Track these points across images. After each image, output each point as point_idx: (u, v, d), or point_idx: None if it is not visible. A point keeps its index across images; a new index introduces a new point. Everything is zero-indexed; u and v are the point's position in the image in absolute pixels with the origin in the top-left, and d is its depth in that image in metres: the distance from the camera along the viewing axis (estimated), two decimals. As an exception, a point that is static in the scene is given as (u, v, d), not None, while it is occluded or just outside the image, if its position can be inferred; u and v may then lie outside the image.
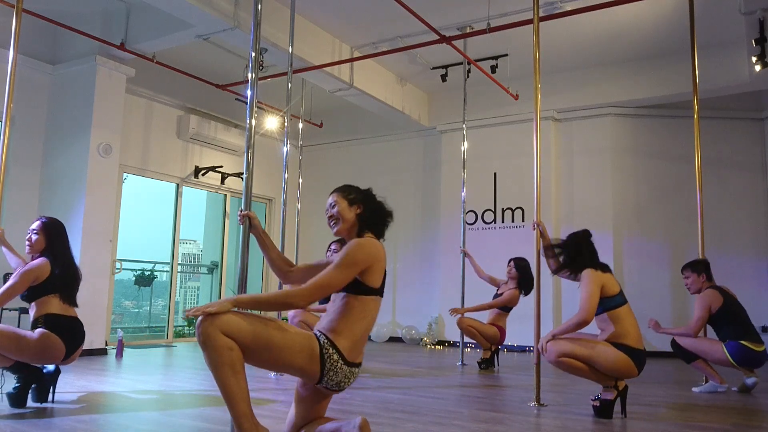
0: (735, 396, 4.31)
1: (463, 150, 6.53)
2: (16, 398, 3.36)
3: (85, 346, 5.83)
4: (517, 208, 7.96)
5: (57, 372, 3.53)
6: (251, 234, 2.61)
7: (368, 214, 2.41)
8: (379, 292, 2.32)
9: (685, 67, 6.36)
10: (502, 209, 8.09)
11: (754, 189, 7.46)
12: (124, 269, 7.37)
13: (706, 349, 4.39)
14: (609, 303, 3.44)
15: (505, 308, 5.83)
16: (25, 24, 4.67)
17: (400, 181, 9.14)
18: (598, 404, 3.38)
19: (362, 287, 2.26)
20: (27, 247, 3.51)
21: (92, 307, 6.02)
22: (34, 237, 3.51)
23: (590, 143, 7.82)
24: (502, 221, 8.06)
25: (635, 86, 7.44)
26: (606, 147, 7.71)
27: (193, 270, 11.03)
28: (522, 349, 7.58)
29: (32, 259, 3.51)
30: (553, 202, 7.80)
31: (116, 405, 3.58)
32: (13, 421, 3.00)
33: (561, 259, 3.69)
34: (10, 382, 3.46)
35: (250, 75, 2.81)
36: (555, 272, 3.77)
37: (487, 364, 5.66)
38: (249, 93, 2.81)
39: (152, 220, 9.80)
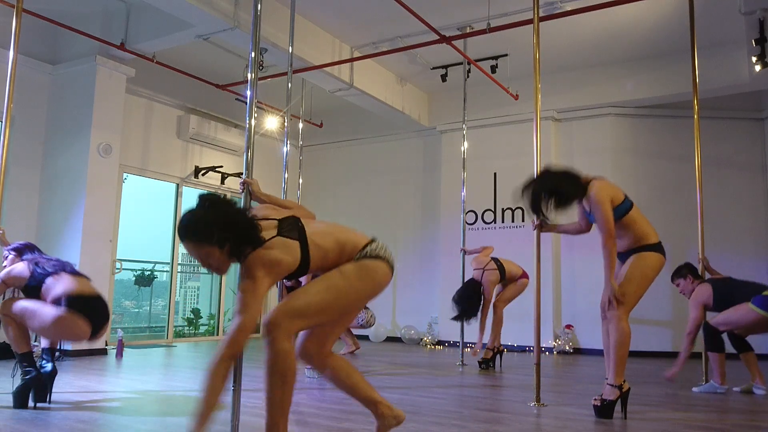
0: (735, 396, 4.31)
1: (463, 150, 6.53)
2: (18, 398, 3.36)
3: (86, 345, 5.92)
4: (517, 208, 7.96)
5: (54, 372, 3.52)
6: (254, 201, 2.59)
7: (235, 241, 2.09)
8: (304, 269, 2.21)
9: (685, 67, 6.36)
10: (502, 209, 8.09)
11: (754, 189, 7.46)
12: (124, 269, 7.37)
13: (737, 317, 4.32)
14: (621, 210, 3.45)
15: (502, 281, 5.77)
16: (25, 24, 4.67)
17: (400, 181, 9.14)
18: (599, 404, 3.38)
19: (296, 274, 2.21)
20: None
21: (92, 307, 6.02)
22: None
23: (590, 143, 7.82)
24: (502, 221, 8.06)
25: (635, 86, 7.43)
26: (606, 147, 7.71)
27: (193, 270, 11.03)
28: (522, 349, 7.57)
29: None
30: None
31: (116, 405, 3.58)
32: (13, 421, 3.00)
33: (552, 207, 3.46)
34: (10, 381, 3.46)
35: (249, 75, 2.81)
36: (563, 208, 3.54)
37: (487, 364, 5.66)
38: (249, 93, 2.80)
39: (152, 220, 9.78)
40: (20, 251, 3.66)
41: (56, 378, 3.55)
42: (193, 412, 1.99)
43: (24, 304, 3.34)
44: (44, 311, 3.28)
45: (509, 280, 5.82)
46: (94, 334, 3.41)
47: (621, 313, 3.40)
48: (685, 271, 4.74)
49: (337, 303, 2.20)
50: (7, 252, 3.67)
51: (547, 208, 3.43)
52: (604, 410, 3.35)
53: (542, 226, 3.95)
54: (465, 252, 6.24)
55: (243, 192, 2.60)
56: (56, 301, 3.30)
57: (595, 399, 3.42)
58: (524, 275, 5.87)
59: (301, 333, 2.35)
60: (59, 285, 3.36)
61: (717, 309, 4.47)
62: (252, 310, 2.05)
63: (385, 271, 2.29)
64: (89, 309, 3.33)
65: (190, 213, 2.09)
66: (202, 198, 2.12)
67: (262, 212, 2.31)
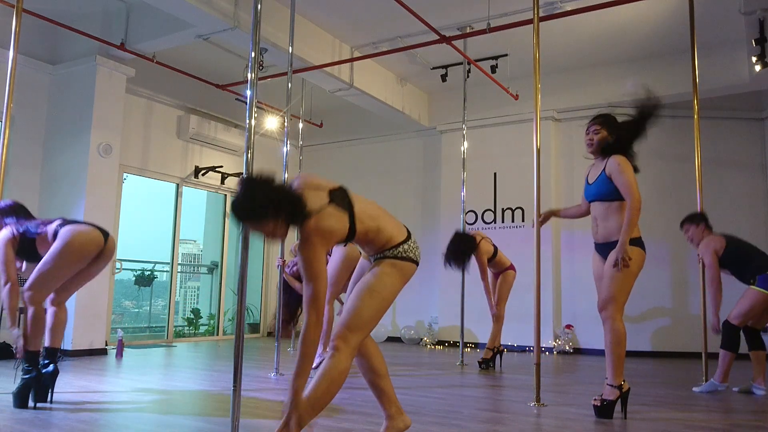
0: (735, 396, 4.31)
1: (463, 150, 6.52)
2: (19, 397, 3.37)
3: (86, 346, 5.94)
4: (517, 208, 7.96)
5: (56, 372, 3.52)
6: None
7: (287, 217, 2.21)
8: (350, 238, 2.33)
9: (685, 67, 6.35)
10: (502, 209, 8.09)
11: (754, 189, 7.45)
12: (124, 269, 7.37)
13: (748, 304, 4.31)
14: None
15: (492, 256, 5.77)
16: (25, 24, 4.67)
17: (400, 181, 9.14)
18: (598, 404, 3.38)
19: (344, 239, 2.30)
20: None
21: (92, 307, 6.03)
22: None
23: (590, 143, 7.79)
24: (502, 221, 8.06)
25: (635, 86, 7.42)
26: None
27: (193, 270, 11.03)
28: (522, 349, 7.57)
29: None
30: (553, 202, 7.79)
31: (116, 405, 3.58)
32: (13, 421, 3.00)
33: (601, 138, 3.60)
34: (10, 381, 3.46)
35: (250, 75, 2.82)
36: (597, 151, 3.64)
37: (487, 364, 5.66)
38: (249, 93, 2.81)
39: (152, 220, 9.79)
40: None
41: (57, 378, 3.55)
42: (292, 381, 2.18)
43: (37, 268, 3.37)
44: (53, 248, 3.34)
45: (498, 266, 5.80)
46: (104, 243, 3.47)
47: (614, 313, 3.39)
48: (699, 218, 4.64)
49: (383, 306, 2.37)
50: None
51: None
52: (604, 410, 3.35)
53: (545, 220, 4.02)
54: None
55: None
56: (54, 235, 3.38)
57: (595, 399, 3.42)
58: (511, 267, 5.88)
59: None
60: (51, 225, 3.45)
61: (726, 263, 4.43)
62: (321, 276, 2.19)
63: (413, 271, 2.47)
64: (87, 224, 3.46)
65: (240, 197, 2.16)
66: (245, 180, 2.22)
67: (311, 180, 2.38)
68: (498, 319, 5.76)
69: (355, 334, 2.27)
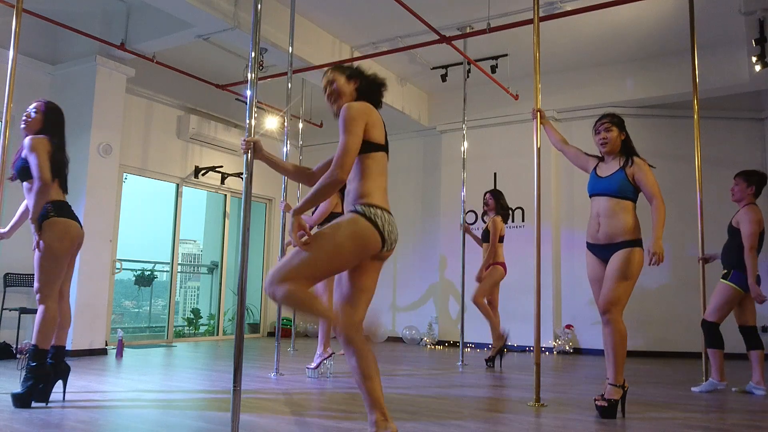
0: (735, 396, 4.31)
1: (463, 150, 6.53)
2: (41, 392, 3.40)
3: (86, 346, 5.94)
4: (517, 208, 7.96)
5: (67, 369, 3.57)
6: (258, 159, 2.68)
7: (365, 86, 2.58)
8: (386, 148, 2.50)
9: (685, 67, 6.36)
10: (502, 209, 8.08)
11: (754, 189, 7.44)
12: (124, 269, 7.37)
13: (722, 300, 4.35)
14: (638, 195, 3.54)
15: (500, 239, 5.86)
16: (25, 24, 4.67)
17: (400, 181, 9.13)
18: (605, 404, 3.34)
19: (371, 145, 2.41)
20: (23, 123, 3.59)
21: (92, 307, 6.03)
22: (33, 114, 3.58)
23: (590, 143, 7.75)
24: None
25: (635, 86, 7.43)
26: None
27: (193, 270, 11.03)
28: (522, 349, 7.57)
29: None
30: (553, 202, 7.80)
31: (116, 405, 3.58)
32: (13, 421, 2.99)
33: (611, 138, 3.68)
34: (9, 381, 3.46)
35: (249, 75, 2.82)
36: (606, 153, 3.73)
37: (492, 363, 5.69)
38: (249, 93, 2.81)
39: (152, 220, 9.79)
40: None
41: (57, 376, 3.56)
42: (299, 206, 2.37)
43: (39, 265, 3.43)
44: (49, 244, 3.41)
45: (491, 252, 5.81)
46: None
47: (615, 315, 3.40)
48: (755, 179, 4.50)
49: (323, 256, 2.34)
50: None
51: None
52: (609, 410, 3.33)
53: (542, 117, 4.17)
54: (466, 229, 6.23)
55: (245, 152, 2.66)
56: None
57: (597, 399, 3.41)
58: (503, 264, 5.87)
59: (336, 300, 2.51)
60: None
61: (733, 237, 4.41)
62: (354, 144, 2.34)
63: (372, 240, 2.41)
64: (72, 216, 3.57)
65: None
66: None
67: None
68: (486, 313, 5.73)
69: (287, 274, 2.26)
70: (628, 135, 3.73)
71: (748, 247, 4.29)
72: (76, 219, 3.58)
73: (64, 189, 3.62)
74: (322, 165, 2.65)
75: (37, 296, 3.42)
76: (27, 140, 3.49)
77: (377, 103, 2.60)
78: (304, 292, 2.27)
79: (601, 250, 3.52)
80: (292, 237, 2.29)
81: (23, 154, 3.50)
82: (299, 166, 2.76)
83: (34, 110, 3.60)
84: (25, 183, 3.55)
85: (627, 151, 3.64)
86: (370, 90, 2.59)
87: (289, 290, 2.24)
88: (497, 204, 5.91)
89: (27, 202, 3.59)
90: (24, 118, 3.60)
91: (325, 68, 2.62)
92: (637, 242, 3.43)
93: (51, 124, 3.62)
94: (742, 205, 4.49)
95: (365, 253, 2.38)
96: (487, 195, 5.99)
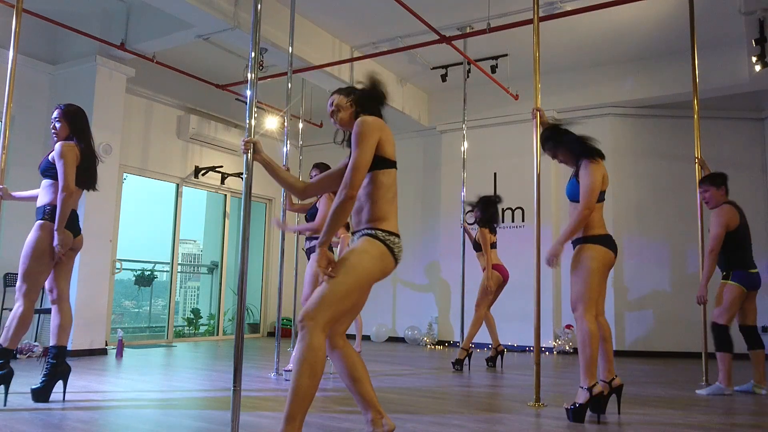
0: (735, 396, 4.30)
1: (463, 150, 6.53)
2: (41, 392, 3.47)
3: (85, 346, 5.93)
4: (517, 208, 7.96)
5: (67, 370, 3.59)
6: (256, 161, 2.66)
7: (361, 97, 2.56)
8: (395, 164, 2.49)
9: (685, 67, 6.36)
10: (502, 209, 8.08)
11: (754, 189, 7.45)
12: (124, 269, 7.37)
13: (728, 302, 4.33)
14: (600, 196, 3.50)
15: (492, 245, 5.83)
16: (25, 24, 4.67)
17: (400, 181, 9.03)
18: (570, 407, 3.28)
19: (384, 161, 2.41)
20: (53, 135, 3.68)
21: (92, 307, 6.03)
22: (57, 125, 3.67)
23: (590, 143, 7.80)
24: (503, 221, 8.05)
25: (635, 86, 7.43)
26: (606, 147, 7.55)
27: (193, 270, 11.03)
28: (522, 349, 7.57)
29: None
30: (553, 202, 7.80)
31: (116, 405, 3.58)
32: (13, 421, 3.00)
33: (553, 145, 3.78)
34: (13, 382, 3.46)
35: (250, 75, 2.82)
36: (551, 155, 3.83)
37: (460, 365, 5.59)
38: (249, 93, 2.81)
39: (152, 220, 9.79)
40: None
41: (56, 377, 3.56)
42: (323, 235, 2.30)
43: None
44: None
45: (487, 260, 5.78)
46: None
47: (582, 314, 3.33)
48: (720, 180, 4.54)
49: (357, 286, 2.33)
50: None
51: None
52: (575, 414, 3.25)
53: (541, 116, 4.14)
54: (465, 228, 6.21)
55: (246, 152, 2.65)
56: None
57: (566, 403, 3.37)
58: (499, 268, 5.80)
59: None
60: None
61: (725, 240, 4.39)
62: (363, 164, 2.32)
63: (391, 266, 2.46)
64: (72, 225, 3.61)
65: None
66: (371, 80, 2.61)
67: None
68: (476, 321, 5.69)
69: (325, 312, 2.22)
70: (570, 139, 3.78)
71: (710, 248, 4.38)
72: (71, 228, 3.59)
73: (90, 187, 3.74)
74: (317, 180, 2.66)
75: (18, 293, 3.49)
76: (57, 145, 3.58)
77: (377, 111, 2.57)
78: (315, 355, 2.18)
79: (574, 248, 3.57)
80: (320, 270, 2.26)
81: (50, 157, 3.60)
82: (294, 178, 2.73)
83: (56, 120, 3.69)
84: (45, 179, 3.61)
85: (578, 153, 3.65)
86: (368, 99, 2.56)
87: (309, 344, 2.19)
88: (483, 216, 5.80)
89: (39, 194, 3.64)
90: (52, 130, 3.70)
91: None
92: (588, 239, 3.41)
93: (76, 128, 3.70)
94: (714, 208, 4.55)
95: (382, 278, 2.42)
96: (476, 210, 5.85)
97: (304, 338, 2.20)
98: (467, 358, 5.69)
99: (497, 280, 5.77)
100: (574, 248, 3.51)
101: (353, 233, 2.47)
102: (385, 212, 2.41)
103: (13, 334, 3.48)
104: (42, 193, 3.61)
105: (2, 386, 3.42)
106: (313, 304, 2.23)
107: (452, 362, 5.65)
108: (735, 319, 4.48)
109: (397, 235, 2.45)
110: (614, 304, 7.25)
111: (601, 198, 3.52)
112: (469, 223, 6.46)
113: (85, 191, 3.79)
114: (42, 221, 3.53)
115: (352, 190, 2.28)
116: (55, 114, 3.70)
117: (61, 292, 3.64)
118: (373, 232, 2.38)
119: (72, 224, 3.61)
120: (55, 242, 3.45)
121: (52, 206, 3.54)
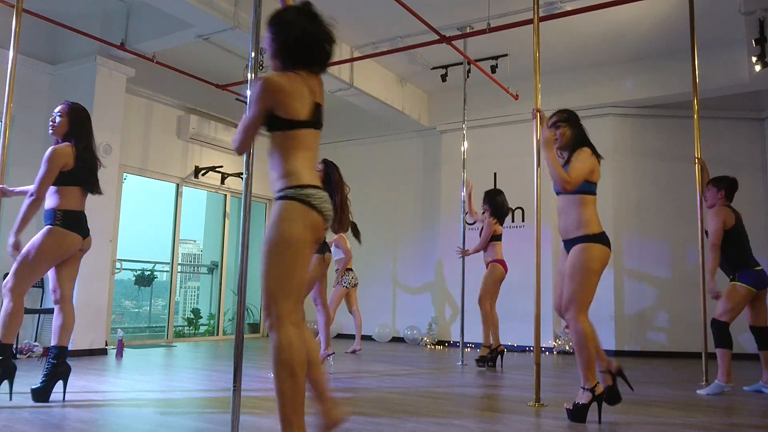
0: (736, 396, 4.31)
1: (463, 150, 6.53)
2: (41, 392, 3.46)
3: (86, 346, 5.93)
4: (517, 208, 7.96)
5: (68, 370, 3.58)
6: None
7: (282, 39, 2.44)
8: (312, 123, 2.36)
9: (685, 67, 6.36)
10: (502, 209, 8.09)
11: (754, 189, 7.45)
12: (124, 269, 7.37)
13: (733, 301, 4.34)
14: (589, 187, 3.48)
15: (498, 238, 5.93)
16: (25, 24, 4.66)
17: (400, 181, 9.13)
18: (570, 407, 3.28)
19: (289, 122, 2.24)
20: (50, 128, 3.63)
21: (92, 307, 6.02)
22: (58, 119, 3.63)
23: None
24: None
25: (635, 86, 7.43)
26: (606, 147, 7.66)
27: (193, 270, 11.03)
28: (522, 349, 7.57)
29: (55, 144, 3.59)
30: (553, 202, 7.78)
31: (116, 405, 3.58)
32: (13, 421, 3.00)
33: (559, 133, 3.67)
34: (20, 378, 3.46)
35: (249, 75, 2.82)
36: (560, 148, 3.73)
37: (489, 362, 5.67)
38: (249, 93, 2.81)
39: (152, 220, 9.79)
40: None
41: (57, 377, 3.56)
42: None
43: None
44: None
45: (491, 254, 5.87)
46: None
47: (576, 314, 3.29)
48: (723, 184, 4.62)
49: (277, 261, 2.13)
50: None
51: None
52: (575, 414, 3.25)
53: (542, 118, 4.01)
54: (463, 254, 6.21)
55: None
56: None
57: (567, 403, 3.37)
58: (502, 262, 5.89)
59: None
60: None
61: (731, 239, 4.43)
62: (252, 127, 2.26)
63: (316, 221, 2.22)
64: (78, 226, 3.67)
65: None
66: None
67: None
68: (486, 318, 5.73)
69: (278, 303, 2.08)
70: (581, 129, 3.70)
71: (710, 243, 4.42)
72: (80, 230, 3.63)
73: (93, 190, 3.74)
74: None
75: (4, 289, 3.46)
76: (48, 150, 3.53)
77: (312, 60, 2.42)
78: (287, 353, 2.04)
79: (567, 245, 3.55)
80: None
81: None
82: None
83: (59, 114, 3.65)
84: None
85: (575, 144, 3.59)
86: (286, 51, 2.40)
87: (277, 344, 2.05)
88: (491, 207, 5.97)
89: (46, 197, 3.64)
90: (50, 123, 3.64)
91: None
92: (591, 237, 3.37)
93: (76, 126, 3.68)
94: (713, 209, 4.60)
95: (315, 243, 2.20)
96: (484, 204, 6.03)
97: (271, 339, 2.09)
98: (498, 355, 5.78)
99: (501, 273, 5.83)
100: (570, 246, 3.47)
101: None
102: (289, 169, 2.18)
103: (4, 328, 3.42)
104: (48, 196, 3.58)
105: (6, 381, 3.42)
106: (263, 302, 2.10)
107: (476, 360, 5.78)
108: (746, 319, 4.48)
109: (314, 186, 2.19)
110: (614, 304, 7.25)
111: (592, 190, 3.51)
112: (469, 224, 6.47)
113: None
114: (51, 226, 3.50)
115: (237, 151, 2.28)
116: (59, 108, 3.65)
117: (64, 293, 3.64)
118: (282, 193, 2.16)
119: (81, 225, 3.60)
120: (9, 243, 3.42)
121: (63, 211, 3.53)
